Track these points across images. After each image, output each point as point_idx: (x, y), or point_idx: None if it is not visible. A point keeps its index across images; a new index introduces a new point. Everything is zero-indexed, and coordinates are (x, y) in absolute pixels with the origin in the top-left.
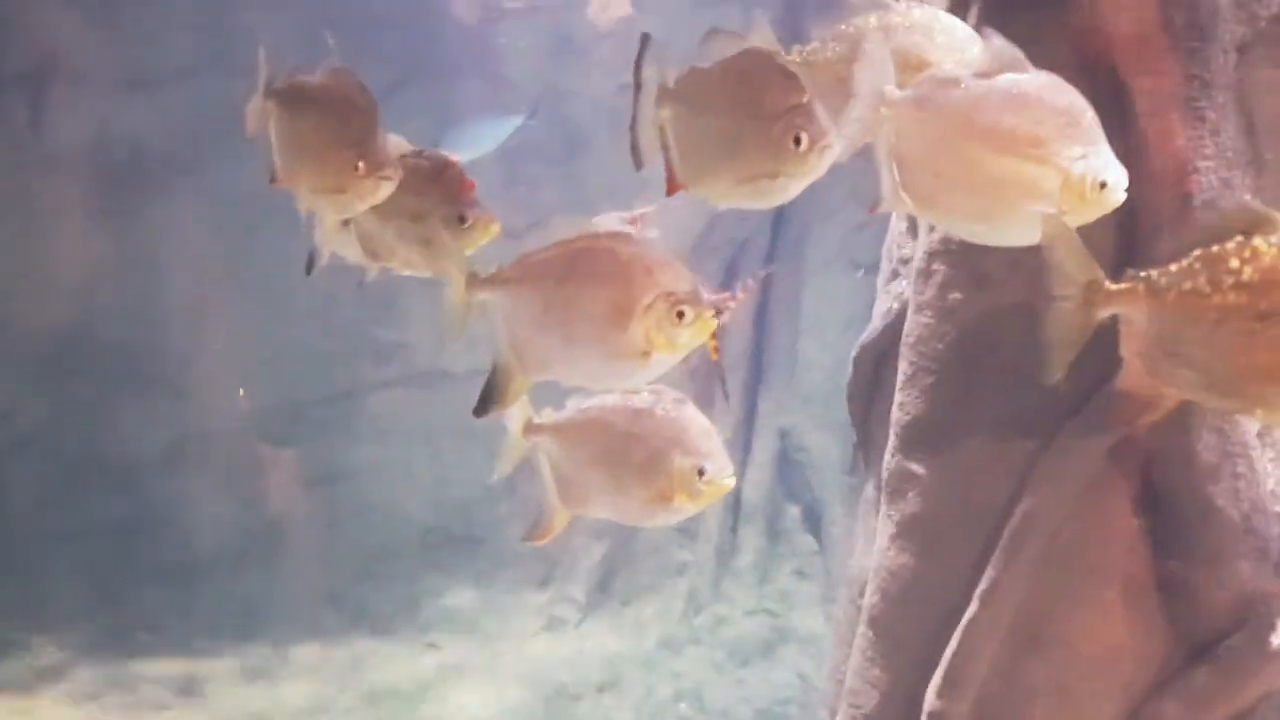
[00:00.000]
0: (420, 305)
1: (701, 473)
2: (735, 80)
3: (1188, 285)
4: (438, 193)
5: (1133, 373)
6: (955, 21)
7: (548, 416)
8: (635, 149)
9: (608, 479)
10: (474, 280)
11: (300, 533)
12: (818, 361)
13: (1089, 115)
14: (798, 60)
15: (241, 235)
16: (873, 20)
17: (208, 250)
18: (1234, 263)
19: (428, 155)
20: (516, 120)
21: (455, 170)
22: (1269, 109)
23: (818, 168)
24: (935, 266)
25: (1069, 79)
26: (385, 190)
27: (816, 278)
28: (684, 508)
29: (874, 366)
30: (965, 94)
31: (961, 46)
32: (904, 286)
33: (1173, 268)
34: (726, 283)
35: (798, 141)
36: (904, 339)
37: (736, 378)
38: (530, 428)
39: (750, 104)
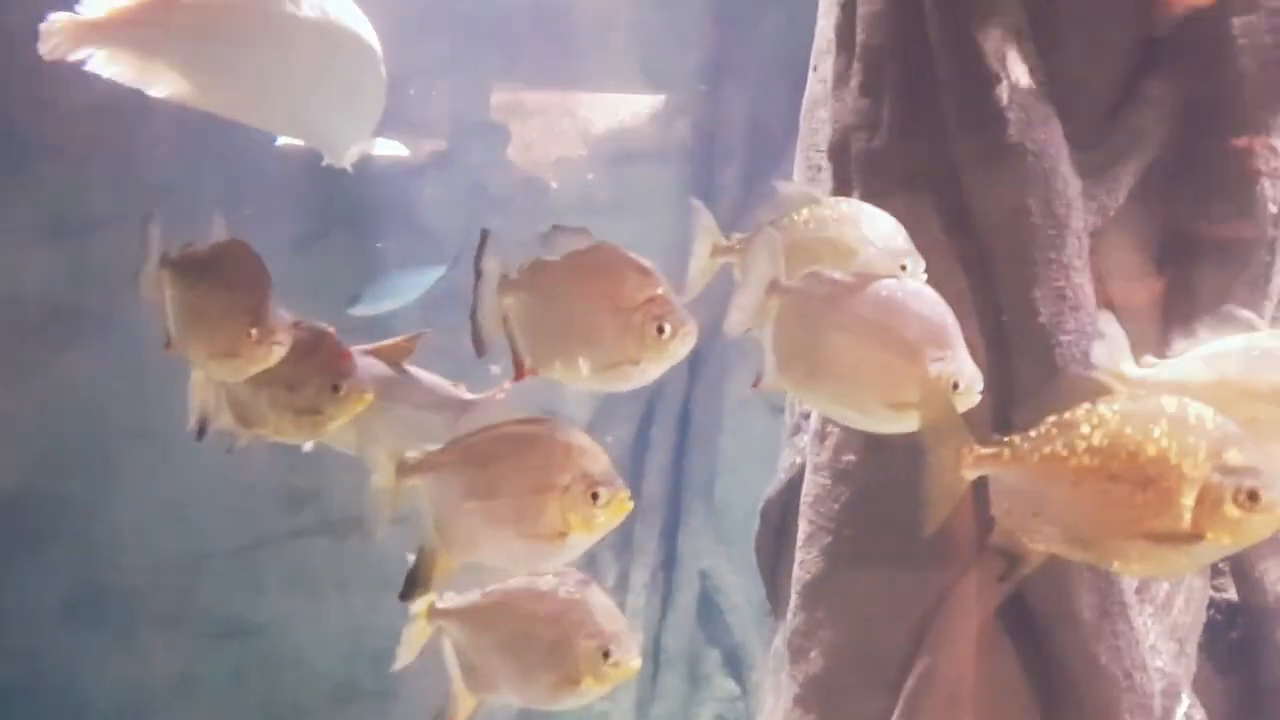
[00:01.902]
0: (334, 451)
1: (607, 655)
2: (588, 273)
3: (1047, 449)
4: (315, 362)
5: (1003, 530)
6: (880, 214)
7: (452, 600)
8: (476, 336)
9: (513, 663)
10: (403, 465)
11: (205, 690)
12: (737, 502)
13: (949, 321)
14: (735, 246)
15: (152, 383)
16: (805, 212)
17: (116, 399)
18: (1085, 428)
19: (306, 326)
20: (438, 271)
21: (332, 341)
22: (1123, 286)
23: (680, 353)
24: (829, 429)
25: (942, 260)
26: (277, 354)
27: (734, 418)
28: (591, 690)
29: (780, 519)
30: (843, 291)
31: (886, 237)
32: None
33: (1033, 433)
34: (644, 425)
35: (660, 330)
36: (803, 498)
37: (655, 521)
38: (434, 612)
39: (607, 295)
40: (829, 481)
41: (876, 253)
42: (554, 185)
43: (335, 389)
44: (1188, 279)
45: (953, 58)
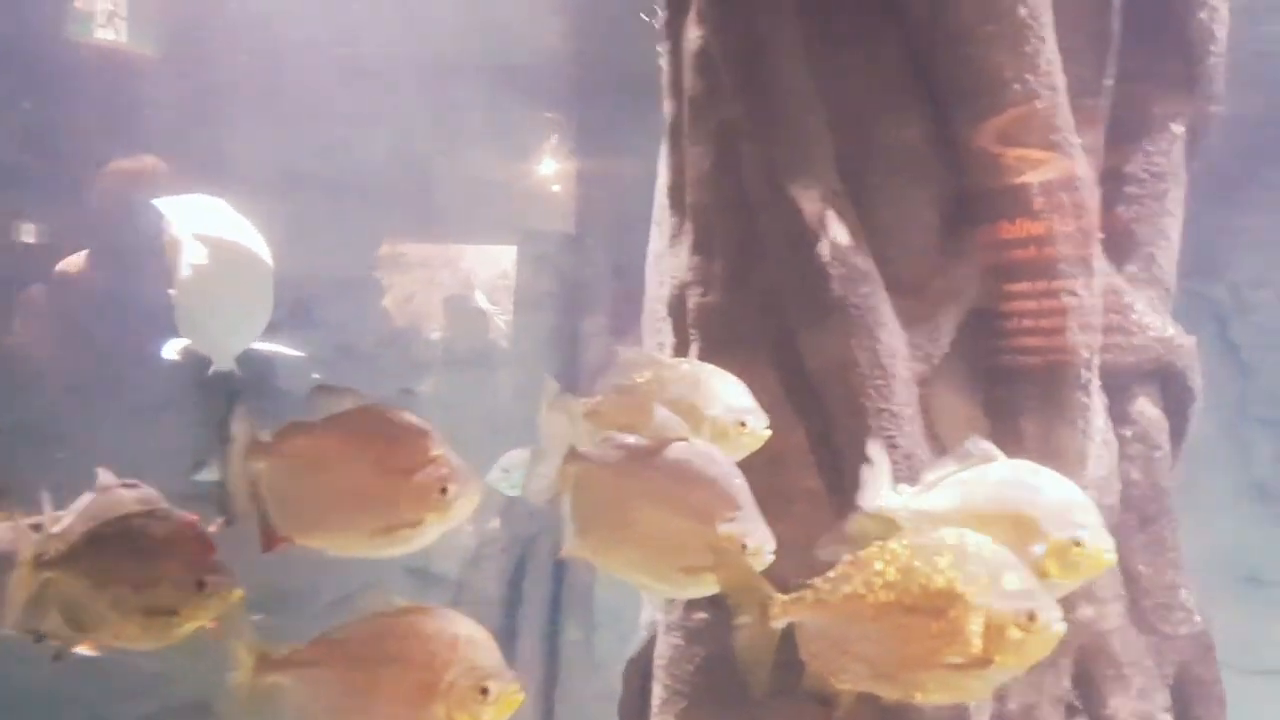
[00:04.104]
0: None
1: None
2: (358, 435)
3: (847, 589)
4: (172, 556)
5: (812, 673)
6: (720, 372)
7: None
8: (229, 504)
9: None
10: (265, 661)
11: None
12: (616, 655)
13: (738, 482)
14: (587, 409)
15: None
16: (647, 374)
17: None
18: (878, 565)
19: (160, 514)
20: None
21: (193, 531)
22: (950, 432)
23: (463, 513)
24: None
25: (781, 414)
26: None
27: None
28: None
29: (642, 681)
30: (637, 457)
31: (727, 396)
32: None
33: (832, 574)
34: (515, 579)
35: (444, 491)
36: (656, 659)
37: (530, 683)
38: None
39: (382, 458)
40: (682, 642)
41: (721, 412)
42: (433, 336)
43: (200, 585)
44: (1012, 421)
45: (774, 218)
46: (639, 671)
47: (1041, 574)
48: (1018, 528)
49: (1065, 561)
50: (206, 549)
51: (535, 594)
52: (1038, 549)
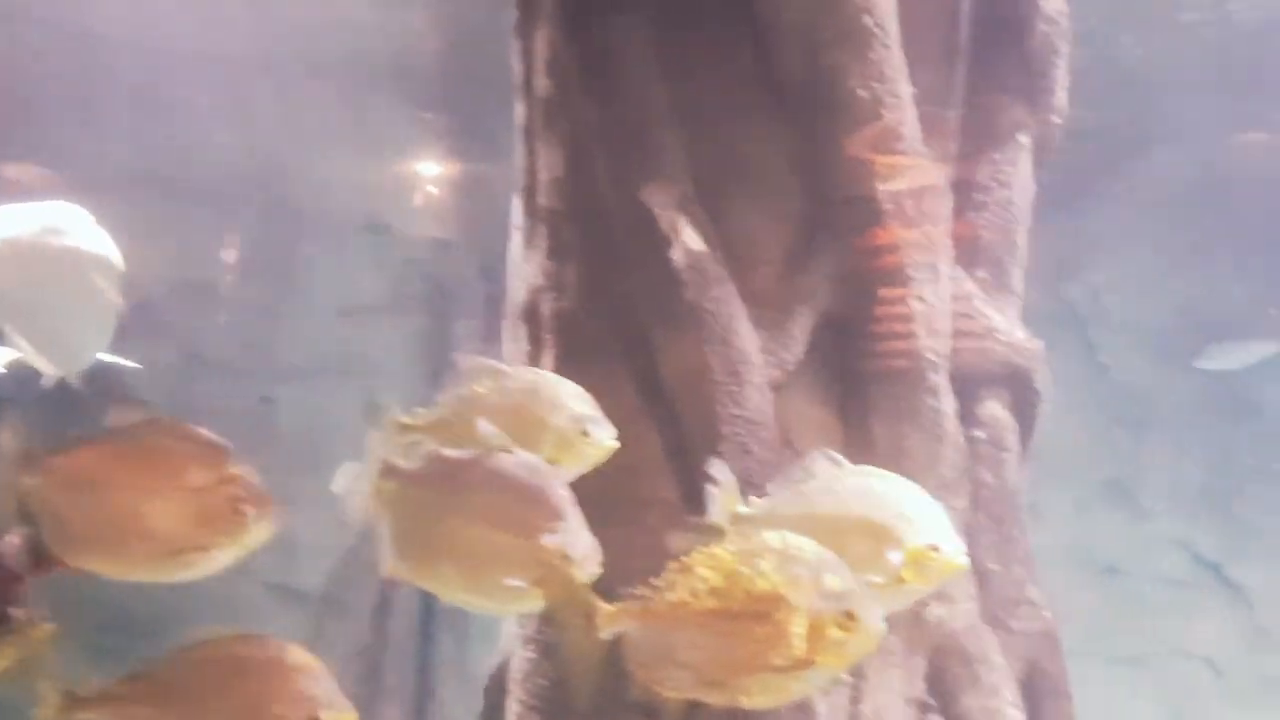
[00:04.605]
0: None
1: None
2: (143, 453)
3: (672, 596)
4: None
5: (639, 683)
6: (562, 381)
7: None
8: None
9: None
10: (72, 700)
11: None
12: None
13: (561, 493)
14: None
15: None
16: (488, 383)
17: None
18: (703, 571)
19: None
20: None
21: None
22: (805, 438)
23: (261, 536)
24: None
25: (635, 422)
26: None
27: None
28: None
29: (501, 696)
30: (457, 471)
31: (570, 405)
32: None
33: (658, 582)
34: (384, 592)
35: (239, 512)
36: (512, 674)
37: (399, 699)
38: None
39: (168, 476)
40: (535, 656)
41: (562, 420)
42: (288, 342)
43: (2, 620)
44: (864, 426)
45: (626, 223)
46: (499, 688)
47: (898, 581)
48: (873, 536)
49: (922, 567)
50: (14, 580)
51: (405, 606)
52: (895, 556)
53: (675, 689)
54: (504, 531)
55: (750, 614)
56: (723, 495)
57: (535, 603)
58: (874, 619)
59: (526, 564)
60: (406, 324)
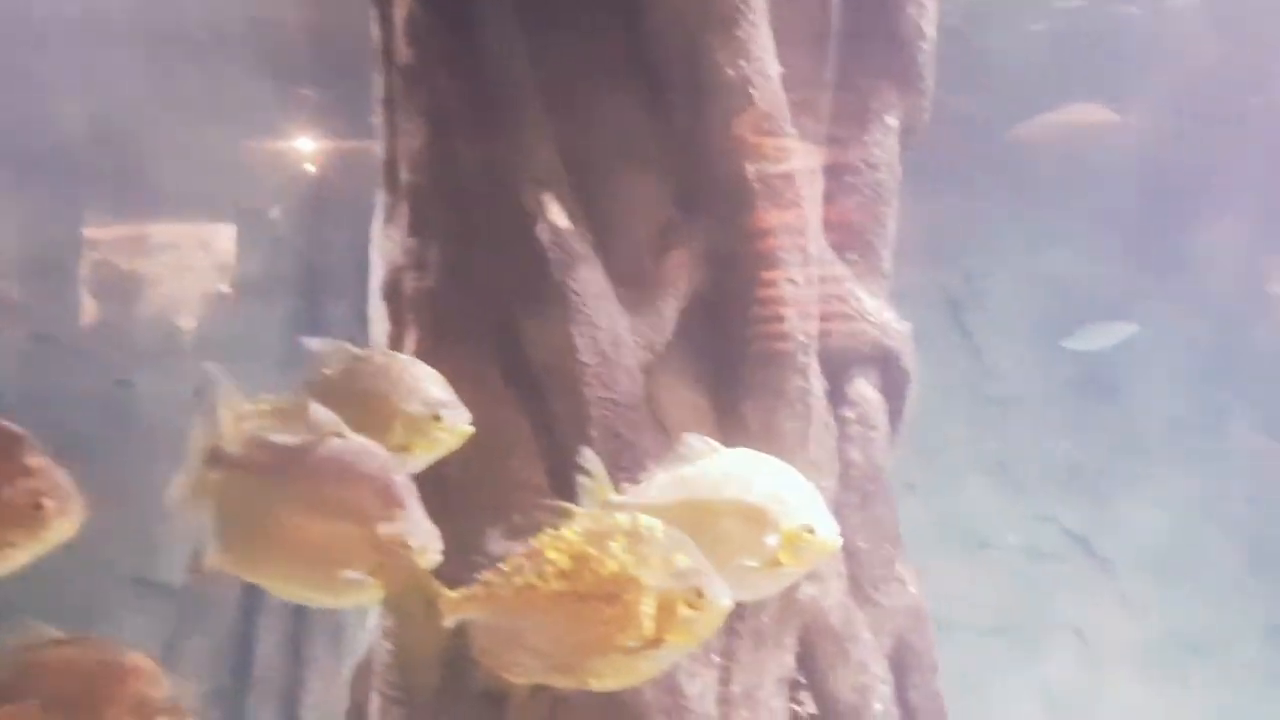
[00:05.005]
0: None
1: None
2: None
3: (520, 581)
4: None
5: (485, 670)
6: (415, 363)
7: None
8: None
9: None
10: None
11: None
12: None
13: (399, 479)
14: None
15: None
16: (338, 366)
17: None
18: (551, 554)
19: None
20: None
21: None
22: (676, 421)
23: (61, 534)
24: None
25: (501, 405)
26: None
27: None
28: None
29: (366, 688)
30: (288, 458)
31: (422, 389)
32: None
33: (504, 567)
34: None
35: (39, 507)
36: (374, 667)
37: (274, 687)
38: None
39: None
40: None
41: (414, 405)
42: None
43: None
44: (735, 408)
45: (491, 200)
46: (364, 680)
47: (774, 563)
48: (748, 519)
49: (798, 549)
50: None
51: (276, 598)
52: (771, 539)
53: (523, 675)
54: (337, 520)
55: (599, 595)
56: (593, 484)
57: (374, 594)
58: (722, 596)
59: (363, 553)
60: (276, 305)
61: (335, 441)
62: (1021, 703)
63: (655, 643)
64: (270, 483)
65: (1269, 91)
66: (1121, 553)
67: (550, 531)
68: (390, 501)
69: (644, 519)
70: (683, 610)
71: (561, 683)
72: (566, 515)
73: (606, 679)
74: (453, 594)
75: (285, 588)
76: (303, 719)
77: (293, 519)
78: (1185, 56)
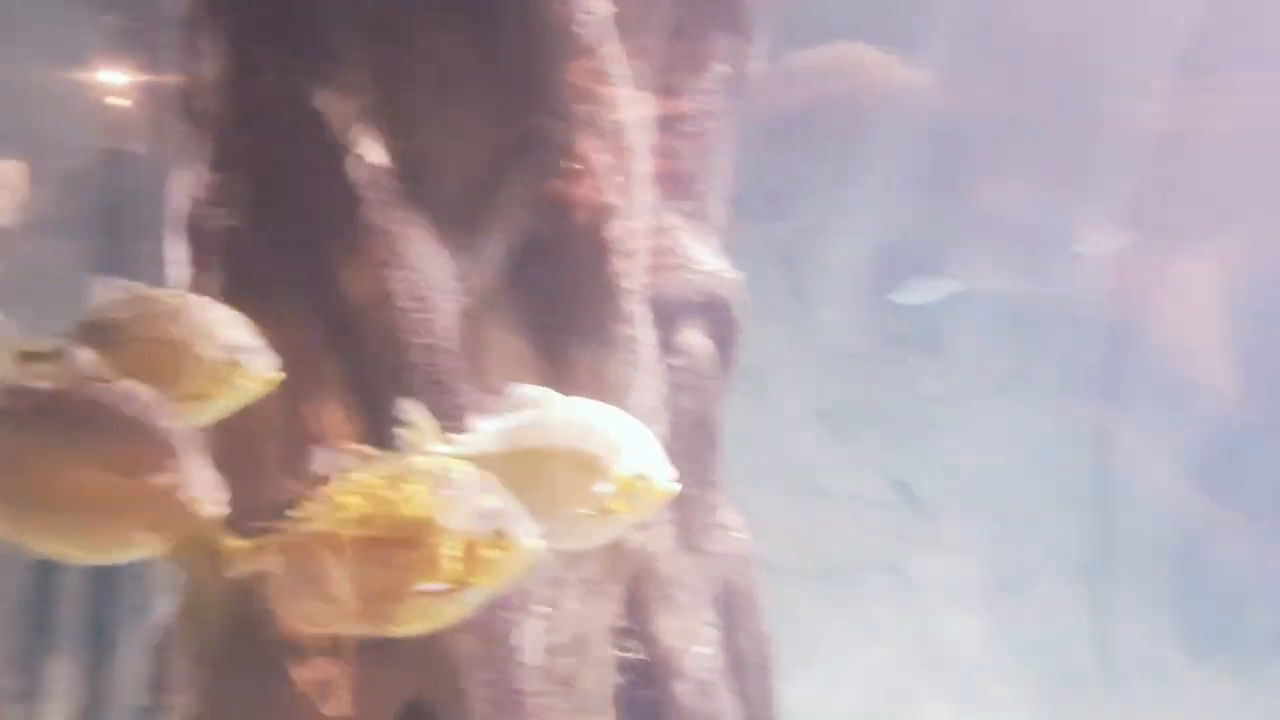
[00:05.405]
0: None
1: None
2: None
3: (312, 527)
4: None
5: (280, 620)
6: (214, 305)
7: None
8: None
9: None
10: None
11: None
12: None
13: (174, 428)
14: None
15: None
16: (129, 309)
17: None
18: (348, 500)
19: None
20: None
21: None
22: (501, 369)
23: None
24: None
25: (313, 349)
26: None
27: None
28: None
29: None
30: (43, 405)
31: (222, 333)
32: None
33: (296, 515)
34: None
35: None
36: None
37: (78, 658)
38: None
39: None
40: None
41: (212, 350)
42: None
43: None
44: (563, 355)
45: (301, 132)
46: (167, 642)
47: (607, 511)
48: (582, 467)
49: (632, 497)
50: None
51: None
52: (605, 487)
53: (319, 624)
54: (100, 471)
55: (399, 540)
56: (416, 434)
57: (153, 549)
58: (529, 537)
59: (133, 506)
60: (73, 244)
61: (96, 387)
62: (844, 642)
63: (461, 586)
64: (26, 433)
65: (1073, 52)
66: (941, 498)
67: (347, 477)
68: (160, 451)
69: (447, 461)
70: (488, 552)
71: (360, 631)
72: (366, 460)
73: (408, 625)
74: (241, 544)
75: (51, 546)
76: (107, 691)
77: (53, 472)
78: (991, 15)
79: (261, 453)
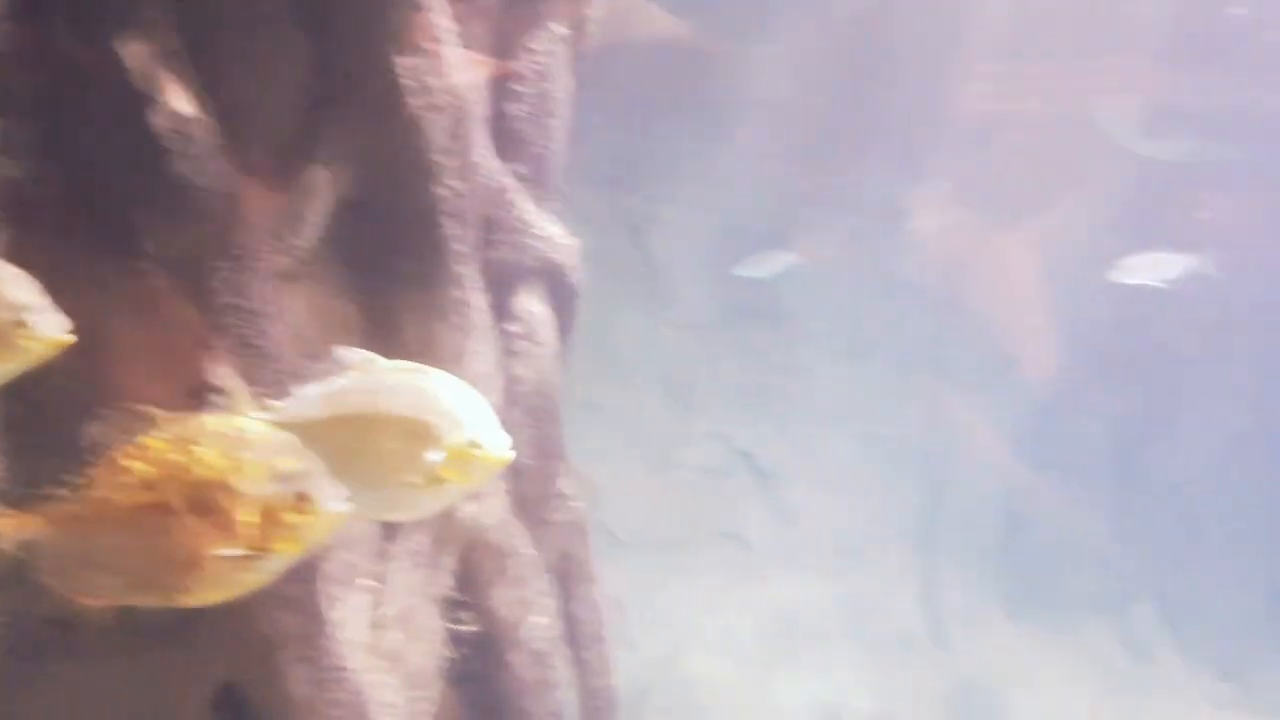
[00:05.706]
0: None
1: None
2: None
3: (92, 495)
4: None
5: (55, 595)
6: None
7: None
8: None
9: None
10: None
11: None
12: None
13: None
14: None
15: None
16: None
17: None
18: (131, 463)
19: None
20: None
21: None
22: (322, 334)
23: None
24: None
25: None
26: None
27: None
28: None
29: None
30: None
31: (1, 286)
32: None
33: (76, 482)
34: None
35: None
36: None
37: None
38: None
39: None
40: None
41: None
42: None
43: None
44: (389, 320)
45: (93, 76)
46: None
47: (438, 480)
48: (411, 434)
49: (464, 465)
50: None
51: None
52: (435, 455)
53: (98, 597)
54: None
55: (190, 505)
56: (230, 402)
57: None
58: (332, 501)
59: None
60: None
61: None
62: (689, 609)
63: (259, 553)
64: None
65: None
66: (783, 467)
67: (130, 440)
68: None
69: (242, 423)
70: (290, 517)
71: (145, 601)
72: (151, 422)
73: (203, 595)
74: (9, 513)
75: None
76: None
77: None
78: None
79: (55, 420)
